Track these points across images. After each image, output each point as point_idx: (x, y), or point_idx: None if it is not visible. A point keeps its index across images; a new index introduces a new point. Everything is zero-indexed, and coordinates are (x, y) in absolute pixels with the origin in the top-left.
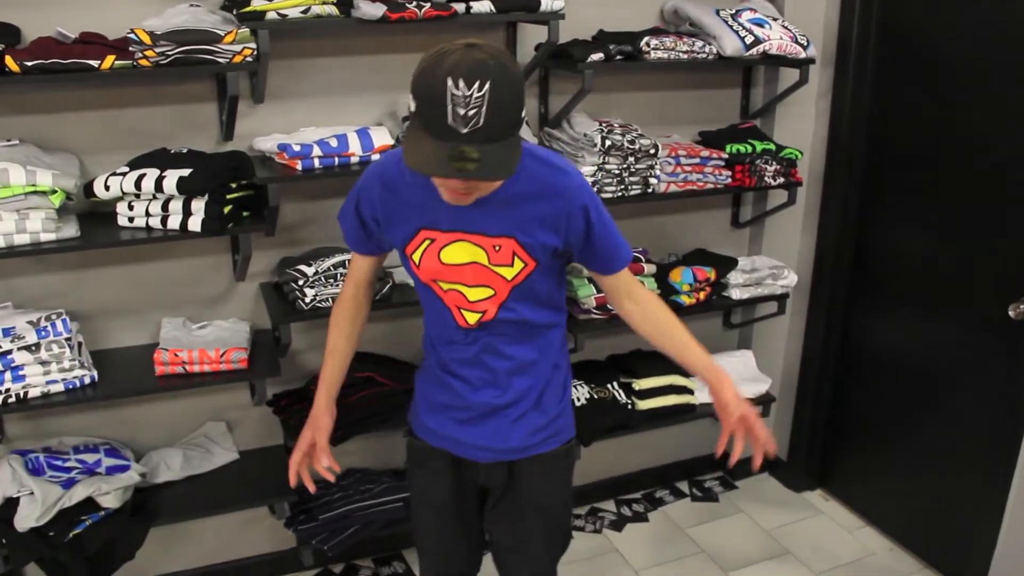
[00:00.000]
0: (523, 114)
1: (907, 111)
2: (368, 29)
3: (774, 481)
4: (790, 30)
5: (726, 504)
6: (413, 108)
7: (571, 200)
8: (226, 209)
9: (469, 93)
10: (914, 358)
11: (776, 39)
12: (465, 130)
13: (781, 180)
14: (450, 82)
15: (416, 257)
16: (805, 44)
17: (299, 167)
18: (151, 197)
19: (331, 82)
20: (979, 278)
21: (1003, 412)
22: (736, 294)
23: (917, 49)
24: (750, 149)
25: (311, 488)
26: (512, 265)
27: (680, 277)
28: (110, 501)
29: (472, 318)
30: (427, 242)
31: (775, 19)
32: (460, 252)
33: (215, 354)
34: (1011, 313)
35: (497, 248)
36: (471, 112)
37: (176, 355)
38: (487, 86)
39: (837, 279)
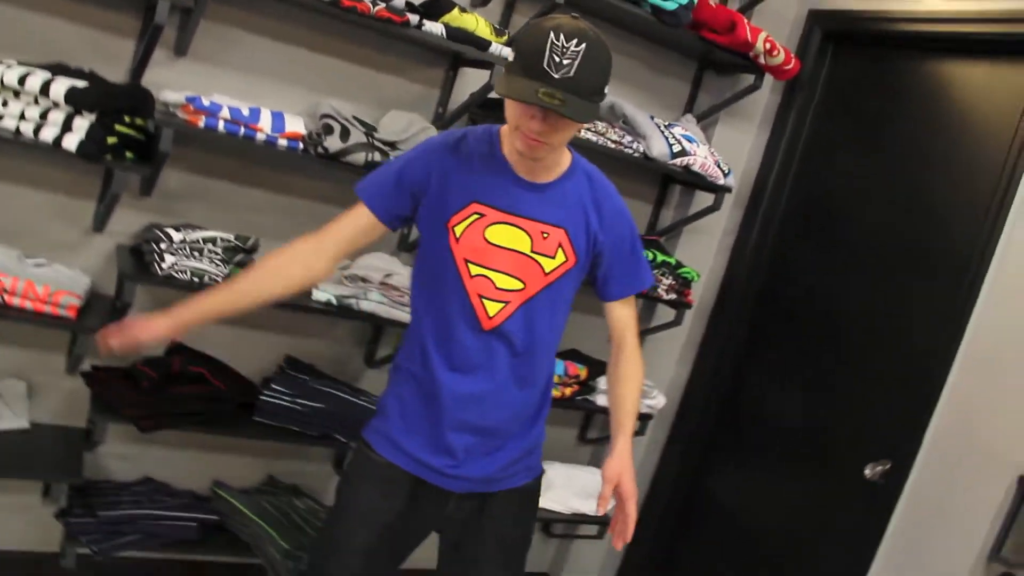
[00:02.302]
0: (606, 89)
1: (800, 270)
2: (312, 22)
3: None
4: (715, 155)
5: None
6: (512, 58)
7: (618, 209)
8: (110, 140)
9: (568, 45)
10: (763, 515)
11: (701, 157)
12: (557, 75)
13: (673, 296)
14: (552, 35)
15: (459, 230)
16: (726, 172)
17: (202, 123)
18: (32, 100)
19: (260, 62)
20: (838, 439)
21: (847, 570)
22: (600, 400)
23: (823, 215)
24: (651, 256)
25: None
26: (554, 257)
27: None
28: None
29: (493, 309)
30: (475, 216)
31: (703, 143)
32: (505, 235)
33: (43, 291)
34: (867, 473)
35: (545, 235)
36: (565, 61)
37: None
38: (583, 45)
39: (703, 420)
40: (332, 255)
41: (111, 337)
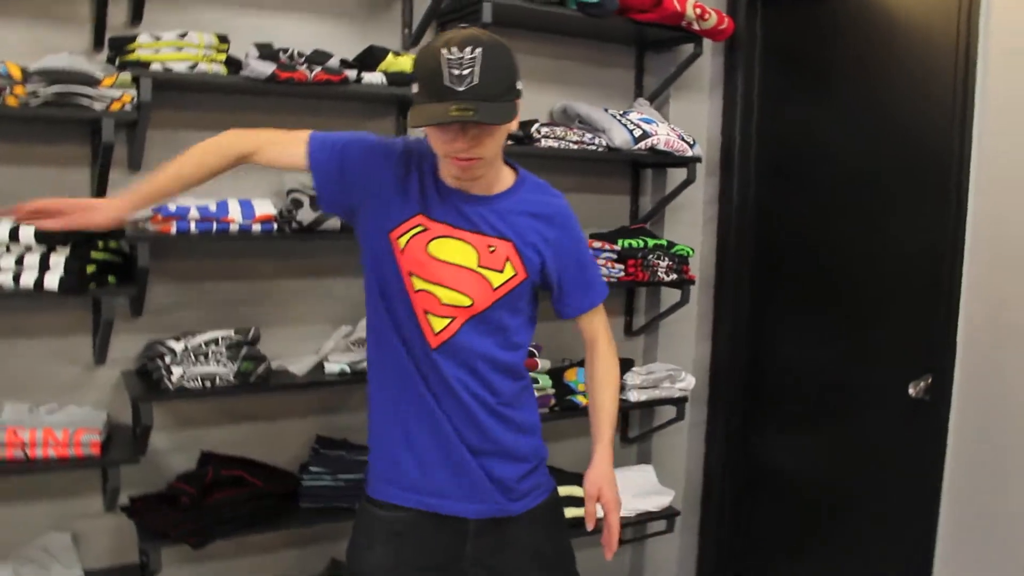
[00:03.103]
0: (518, 84)
1: (789, 219)
2: (254, 103)
3: None
4: (676, 130)
5: None
6: (416, 89)
7: (565, 222)
8: (89, 268)
9: (461, 55)
10: (822, 466)
11: (664, 135)
12: (462, 88)
13: (674, 276)
14: (444, 51)
15: (402, 241)
16: (691, 143)
17: (173, 229)
18: (4, 250)
19: None
20: (873, 369)
21: (918, 495)
22: (633, 396)
23: (797, 161)
24: (642, 244)
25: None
26: (502, 271)
27: (575, 376)
28: None
29: (438, 325)
30: (419, 228)
31: (662, 122)
32: (449, 249)
33: (62, 436)
34: (911, 392)
35: (491, 249)
36: (465, 72)
37: (16, 434)
38: (479, 50)
39: (734, 387)
40: (249, 157)
41: (52, 220)
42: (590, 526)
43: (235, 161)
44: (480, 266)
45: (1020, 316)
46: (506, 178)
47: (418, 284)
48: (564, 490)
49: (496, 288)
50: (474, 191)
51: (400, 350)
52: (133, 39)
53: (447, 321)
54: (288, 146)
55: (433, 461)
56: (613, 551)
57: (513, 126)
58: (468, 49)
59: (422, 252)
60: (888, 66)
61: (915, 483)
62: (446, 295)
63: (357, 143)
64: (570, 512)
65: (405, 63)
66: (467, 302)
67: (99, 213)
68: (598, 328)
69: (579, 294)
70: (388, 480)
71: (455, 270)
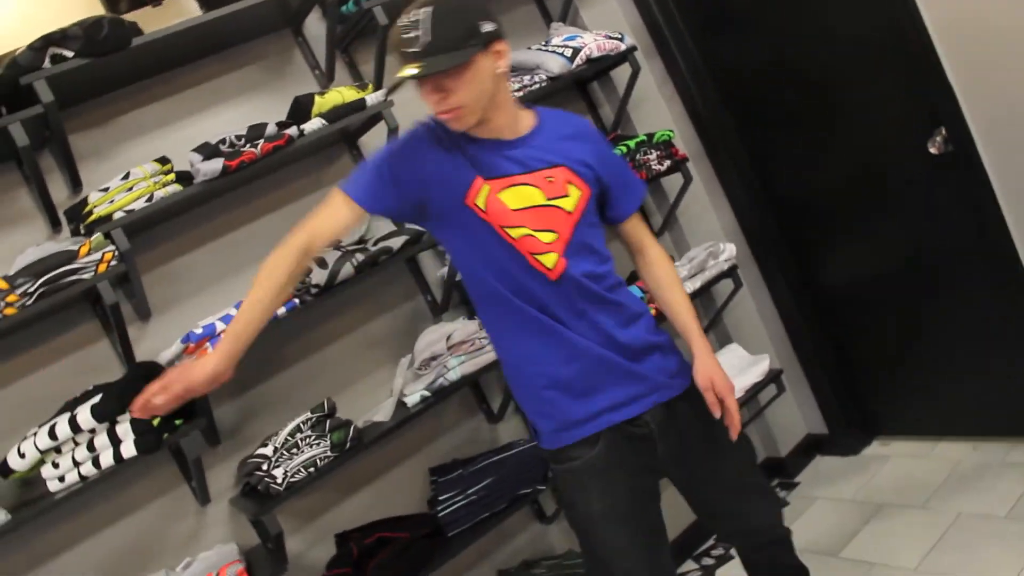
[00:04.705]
0: (483, 27)
1: (745, 57)
2: (223, 203)
3: (829, 458)
4: (601, 33)
5: (797, 502)
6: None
7: (594, 134)
8: (155, 422)
9: (415, 18)
10: (881, 265)
11: (592, 43)
12: (416, 48)
13: (668, 163)
14: (401, 19)
15: (480, 202)
16: (620, 37)
17: (209, 348)
18: (72, 443)
19: (212, 268)
20: (891, 148)
21: (990, 244)
22: (688, 287)
23: (728, 7)
24: (625, 149)
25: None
26: (568, 195)
27: None
28: None
29: (549, 260)
30: (485, 189)
31: (584, 32)
32: (517, 196)
33: None
34: (932, 150)
35: (550, 179)
36: (419, 32)
37: None
38: (425, 9)
39: (771, 234)
40: (319, 251)
41: (157, 398)
42: (716, 414)
43: (299, 260)
44: (549, 199)
45: (992, 42)
46: (527, 118)
47: (515, 232)
48: None
49: (571, 212)
50: (507, 136)
51: (522, 304)
52: (85, 202)
53: (554, 256)
54: (331, 214)
55: (590, 384)
56: (737, 430)
57: (500, 64)
58: (416, 11)
59: (500, 204)
60: None
61: (981, 231)
62: (538, 236)
63: (390, 156)
64: None
65: (333, 97)
66: (554, 236)
67: (197, 371)
68: (642, 232)
69: (626, 196)
70: (557, 428)
71: (531, 212)
